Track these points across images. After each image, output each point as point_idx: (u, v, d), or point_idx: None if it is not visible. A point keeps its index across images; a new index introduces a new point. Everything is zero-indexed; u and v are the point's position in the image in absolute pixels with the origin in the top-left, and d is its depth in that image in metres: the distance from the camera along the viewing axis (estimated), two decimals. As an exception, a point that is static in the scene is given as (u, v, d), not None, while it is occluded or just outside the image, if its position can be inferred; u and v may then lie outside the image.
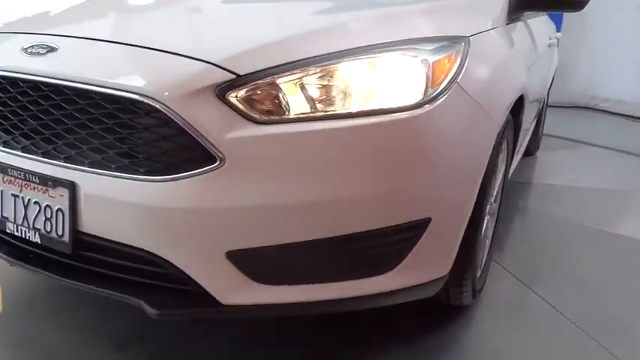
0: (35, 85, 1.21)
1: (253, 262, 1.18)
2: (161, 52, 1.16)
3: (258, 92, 1.13)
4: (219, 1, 1.60)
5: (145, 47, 1.17)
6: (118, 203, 1.16)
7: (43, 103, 1.20)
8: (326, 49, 1.19)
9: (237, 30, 1.31)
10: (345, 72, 1.18)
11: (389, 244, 1.26)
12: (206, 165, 1.11)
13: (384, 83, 1.21)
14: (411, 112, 1.19)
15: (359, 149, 1.16)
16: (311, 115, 1.16)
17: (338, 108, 1.17)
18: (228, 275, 1.17)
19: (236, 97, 1.12)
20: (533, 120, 3.12)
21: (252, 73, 1.12)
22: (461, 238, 1.40)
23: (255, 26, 1.32)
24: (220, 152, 1.10)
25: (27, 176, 1.25)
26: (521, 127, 1.95)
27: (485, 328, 1.70)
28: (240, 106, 1.12)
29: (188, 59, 1.13)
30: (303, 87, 1.16)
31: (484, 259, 1.85)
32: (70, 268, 1.27)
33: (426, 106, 1.21)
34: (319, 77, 1.16)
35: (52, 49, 1.23)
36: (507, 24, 1.81)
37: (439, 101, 1.24)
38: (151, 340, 1.54)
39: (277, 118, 1.14)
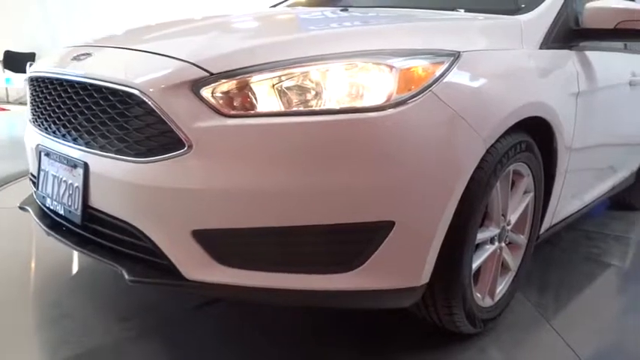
0: (71, 84, 1.49)
1: (215, 243, 1.30)
2: (153, 54, 1.38)
3: (228, 89, 1.28)
4: (199, 21, 1.81)
5: (143, 51, 1.40)
6: (112, 181, 1.36)
7: (74, 98, 1.47)
8: (293, 55, 1.31)
9: (218, 38, 1.49)
10: (309, 74, 1.28)
11: (347, 243, 1.30)
12: (177, 150, 1.27)
13: (346, 86, 1.29)
14: (374, 113, 1.26)
15: (318, 144, 1.25)
16: (276, 111, 1.27)
17: (301, 106, 1.28)
18: (193, 252, 1.30)
19: (208, 92, 1.28)
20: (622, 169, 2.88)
21: (223, 72, 1.28)
22: (435, 252, 1.38)
23: (233, 35, 1.49)
24: (189, 139, 1.26)
25: (61, 159, 1.53)
26: (556, 160, 1.84)
27: (491, 357, 1.61)
28: (211, 100, 1.27)
29: (172, 59, 1.33)
30: (269, 87, 1.28)
31: (499, 289, 1.76)
32: (81, 236, 1.50)
33: (390, 109, 1.27)
34: (285, 79, 1.28)
35: (88, 55, 1.52)
36: (542, 49, 1.79)
37: (405, 107, 1.28)
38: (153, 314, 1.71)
39: (244, 112, 1.27)
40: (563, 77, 1.85)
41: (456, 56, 1.40)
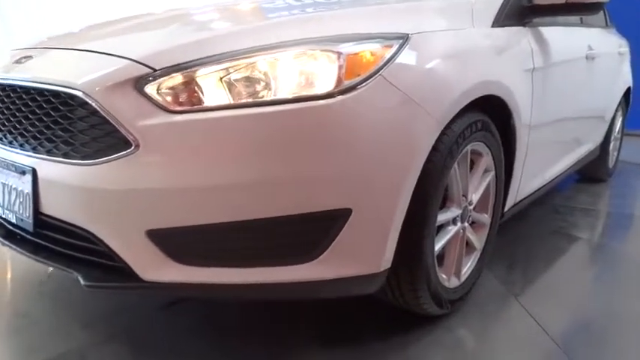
0: (13, 88, 1.44)
1: (171, 242, 1.28)
2: (95, 53, 1.34)
3: (174, 84, 1.25)
4: (157, 15, 1.76)
5: (85, 50, 1.36)
6: (61, 186, 1.33)
7: (18, 102, 1.43)
8: (239, 46, 1.29)
9: (163, 33, 1.46)
10: (256, 65, 1.26)
11: (305, 233, 1.29)
12: (124, 150, 1.24)
13: (293, 76, 1.27)
14: (322, 101, 1.24)
15: (268, 135, 1.23)
16: (223, 105, 1.25)
17: (249, 98, 1.25)
18: (149, 253, 1.28)
19: (153, 88, 1.24)
20: (588, 142, 2.92)
21: (167, 67, 1.25)
22: (395, 236, 1.37)
23: (180, 29, 1.46)
24: (135, 138, 1.23)
25: (9, 166, 1.48)
26: (515, 137, 1.85)
27: (458, 336, 1.62)
28: (155, 96, 1.24)
29: (113, 57, 1.29)
30: (217, 80, 1.25)
31: (465, 269, 1.77)
32: (36, 244, 1.46)
33: (339, 96, 1.25)
34: (232, 71, 1.25)
35: (29, 58, 1.47)
36: (495, 27, 1.79)
37: (355, 92, 1.27)
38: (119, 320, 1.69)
39: (190, 107, 1.25)
40: (517, 54, 1.85)
41: (404, 39, 1.39)
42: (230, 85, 1.26)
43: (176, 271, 1.29)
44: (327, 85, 1.26)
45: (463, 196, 1.67)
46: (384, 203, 1.33)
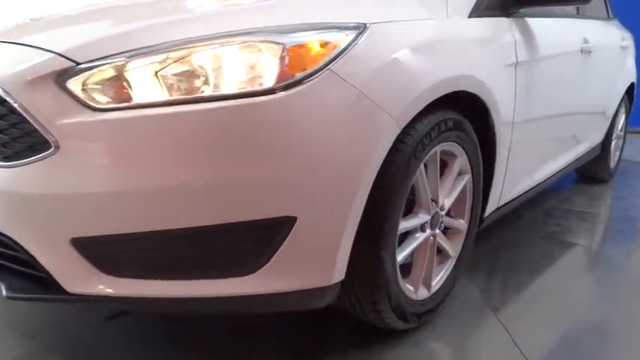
0: None
1: (98, 252, 1.17)
2: (16, 45, 1.23)
3: (100, 79, 1.14)
4: (84, 7, 1.62)
5: (5, 42, 1.25)
6: (-16, 189, 1.22)
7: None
8: (175, 37, 1.17)
9: (93, 24, 1.34)
10: (190, 58, 1.14)
11: (246, 243, 1.18)
12: (44, 151, 1.13)
13: (232, 70, 1.15)
14: (262, 97, 1.12)
15: (202, 136, 1.11)
16: (154, 101, 1.13)
17: (183, 94, 1.14)
18: (74, 263, 1.17)
19: (77, 84, 1.13)
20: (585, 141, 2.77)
21: (92, 60, 1.14)
22: (347, 246, 1.25)
23: (112, 19, 1.34)
24: (54, 138, 1.12)
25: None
26: (495, 136, 1.72)
27: (426, 352, 1.50)
28: (78, 93, 1.13)
29: (35, 50, 1.18)
30: (149, 74, 1.14)
31: (437, 279, 1.64)
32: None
33: (281, 92, 1.13)
34: (165, 64, 1.14)
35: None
36: (473, 17, 1.66)
37: (299, 88, 1.15)
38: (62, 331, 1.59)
39: (117, 104, 1.13)
40: (497, 47, 1.72)
41: (361, 29, 1.26)
42: (164, 80, 1.14)
43: (106, 284, 1.18)
44: (268, 80, 1.14)
45: (433, 200, 1.54)
46: (333, 210, 1.21)
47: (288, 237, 1.18)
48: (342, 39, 1.23)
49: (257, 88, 1.14)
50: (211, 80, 1.14)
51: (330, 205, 1.20)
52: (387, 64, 1.28)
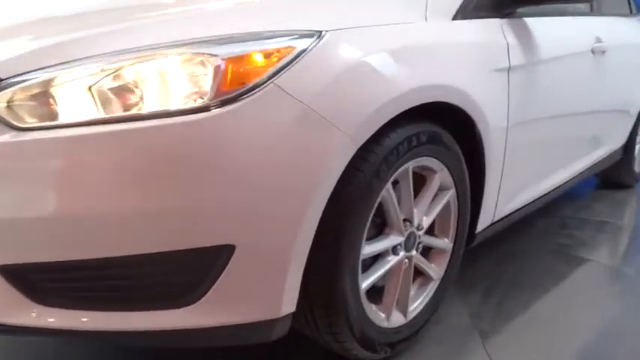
0: None
1: (27, 280, 1.10)
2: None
3: (24, 96, 1.06)
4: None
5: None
6: None
7: None
8: (106, 50, 1.08)
9: (21, 38, 1.26)
10: (121, 73, 1.05)
11: (180, 273, 1.09)
12: None
13: (162, 85, 1.05)
14: (194, 115, 1.03)
15: (129, 158, 1.02)
16: (78, 120, 1.04)
17: (111, 112, 1.05)
18: (1, 291, 1.10)
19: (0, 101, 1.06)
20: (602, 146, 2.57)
21: (15, 76, 1.06)
22: (297, 275, 1.15)
23: (41, 33, 1.26)
24: None
25: None
26: (482, 148, 1.57)
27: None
28: (2, 111, 1.06)
29: None
30: (78, 90, 1.06)
31: (416, 304, 1.52)
32: None
33: (216, 109, 1.04)
34: (94, 80, 1.05)
35: None
36: (458, 19, 1.52)
37: (237, 104, 1.05)
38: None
39: (42, 124, 1.06)
40: (483, 52, 1.57)
41: (315, 37, 1.15)
42: (91, 97, 1.06)
43: (35, 314, 1.11)
44: (201, 96, 1.04)
45: (406, 220, 1.42)
46: (278, 237, 1.11)
47: (227, 267, 1.09)
48: (290, 49, 1.12)
49: (189, 105, 1.04)
50: (141, 97, 1.05)
51: (272, 233, 1.10)
52: (342, 76, 1.16)
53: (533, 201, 2.07)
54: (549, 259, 2.19)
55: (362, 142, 1.18)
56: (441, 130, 1.43)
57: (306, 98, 1.10)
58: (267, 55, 1.10)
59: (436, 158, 1.43)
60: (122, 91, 1.06)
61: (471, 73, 1.48)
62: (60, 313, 1.11)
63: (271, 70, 1.09)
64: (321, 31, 1.17)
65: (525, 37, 1.75)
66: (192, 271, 1.09)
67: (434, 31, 1.43)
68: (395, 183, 1.36)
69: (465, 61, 1.48)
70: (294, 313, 1.20)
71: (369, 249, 1.32)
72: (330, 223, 1.18)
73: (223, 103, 1.04)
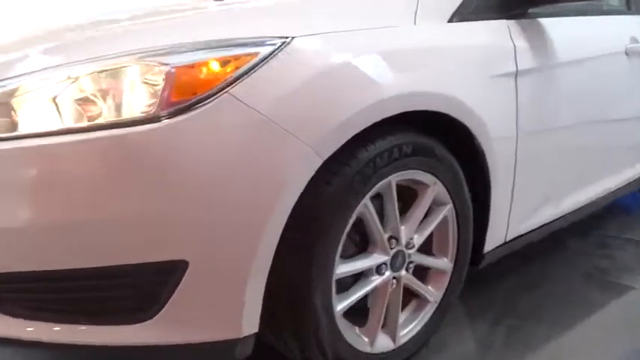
0: None
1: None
2: None
3: None
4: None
5: None
6: None
7: None
8: (62, 62, 1.08)
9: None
10: (78, 85, 1.03)
11: (133, 288, 1.05)
12: None
13: (113, 95, 1.03)
14: (142, 126, 1.00)
15: (79, 170, 1.00)
16: (37, 132, 1.03)
17: (68, 123, 1.03)
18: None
19: None
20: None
21: None
22: (257, 294, 1.09)
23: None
24: None
25: None
26: (485, 161, 1.45)
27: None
28: None
29: None
30: (32, 101, 1.05)
31: (408, 328, 1.41)
32: None
33: (166, 120, 1.00)
34: (53, 91, 1.04)
35: None
36: (455, 22, 1.43)
37: (188, 115, 1.01)
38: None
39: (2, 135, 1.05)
40: (482, 56, 1.45)
41: (278, 44, 1.10)
42: (46, 108, 1.05)
43: None
44: (150, 106, 1.01)
45: (393, 238, 1.32)
46: (234, 253, 1.05)
47: (181, 283, 1.04)
48: (250, 56, 1.07)
49: (142, 115, 1.01)
50: (97, 107, 1.03)
51: (228, 248, 1.04)
52: (307, 84, 1.10)
53: (559, 218, 1.90)
54: (580, 285, 1.98)
55: (328, 154, 1.11)
56: (431, 140, 1.33)
57: (264, 108, 1.04)
58: (224, 64, 1.06)
59: (426, 171, 1.33)
60: (80, 101, 1.04)
61: (466, 79, 1.38)
62: (16, 322, 1.10)
63: (227, 78, 1.04)
64: (287, 37, 1.12)
65: (539, 39, 1.61)
66: (145, 286, 1.05)
67: (421, 35, 1.34)
68: (379, 197, 1.28)
69: (459, 66, 1.37)
70: (261, 332, 1.14)
71: (345, 268, 1.24)
72: (296, 239, 1.11)
73: (175, 113, 1.00)
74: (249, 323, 1.10)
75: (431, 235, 1.46)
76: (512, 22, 1.57)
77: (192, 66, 1.04)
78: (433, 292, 1.47)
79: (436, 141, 1.34)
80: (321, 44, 1.16)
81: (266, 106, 1.05)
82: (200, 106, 1.01)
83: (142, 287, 1.05)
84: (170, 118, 1.00)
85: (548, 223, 1.84)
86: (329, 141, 1.11)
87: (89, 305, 1.07)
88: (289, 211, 1.08)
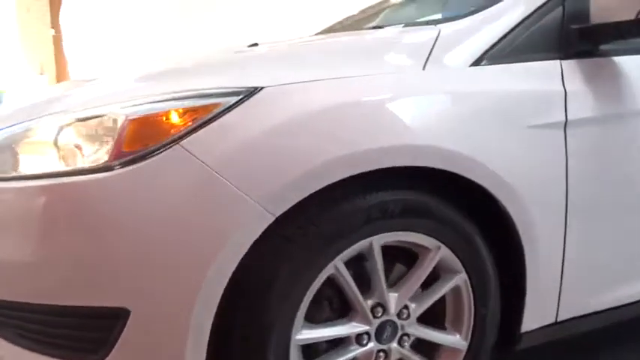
0: None
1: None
2: None
3: None
4: None
5: None
6: None
7: None
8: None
9: None
10: (38, 134, 1.12)
11: (82, 329, 1.08)
12: None
13: (70, 145, 1.08)
14: (92, 175, 1.03)
15: (33, 213, 1.07)
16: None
17: (27, 170, 1.12)
18: None
19: None
20: None
21: None
22: (197, 353, 1.04)
23: None
24: None
25: None
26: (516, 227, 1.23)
27: None
28: None
29: None
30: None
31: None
32: None
33: (116, 170, 1.03)
34: (17, 139, 1.14)
35: None
36: (485, 64, 1.26)
37: (136, 165, 1.02)
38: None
39: None
40: (515, 103, 1.24)
41: (243, 95, 1.07)
42: (16, 154, 1.14)
43: None
44: (104, 156, 1.05)
45: (379, 306, 1.18)
46: (174, 307, 1.03)
47: (124, 331, 1.04)
48: (210, 107, 1.06)
49: (89, 165, 1.05)
50: (55, 155, 1.09)
51: (168, 301, 1.03)
52: (267, 136, 1.05)
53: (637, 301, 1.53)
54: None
55: (280, 211, 1.03)
56: (429, 197, 1.17)
57: (213, 161, 1.02)
58: (181, 115, 1.06)
59: (424, 234, 1.18)
60: (39, 148, 1.12)
61: (480, 130, 1.19)
62: None
63: (182, 130, 1.04)
64: (256, 87, 1.08)
65: (603, 83, 1.34)
66: (93, 330, 1.07)
67: (424, 82, 1.20)
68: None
69: (470, 116, 1.19)
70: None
71: (312, 334, 1.13)
72: (248, 299, 1.06)
73: (125, 164, 1.03)
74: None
75: (444, 307, 1.28)
76: (568, 62, 1.33)
77: (145, 117, 1.05)
78: (441, 374, 1.28)
79: (439, 200, 1.18)
80: (297, 93, 1.10)
81: (216, 159, 1.02)
82: (150, 157, 1.02)
83: (91, 331, 1.07)
84: (121, 167, 1.03)
85: (622, 306, 1.49)
86: (282, 198, 1.03)
87: (50, 338, 1.12)
88: (233, 267, 1.03)
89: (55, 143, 1.09)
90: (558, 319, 1.39)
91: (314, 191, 1.05)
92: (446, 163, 1.15)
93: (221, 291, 1.03)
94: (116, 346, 1.05)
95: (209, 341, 1.05)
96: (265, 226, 1.03)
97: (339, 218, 1.09)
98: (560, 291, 1.36)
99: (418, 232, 1.17)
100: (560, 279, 1.34)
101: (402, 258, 1.23)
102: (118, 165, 1.03)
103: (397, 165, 1.11)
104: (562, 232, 1.31)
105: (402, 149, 1.12)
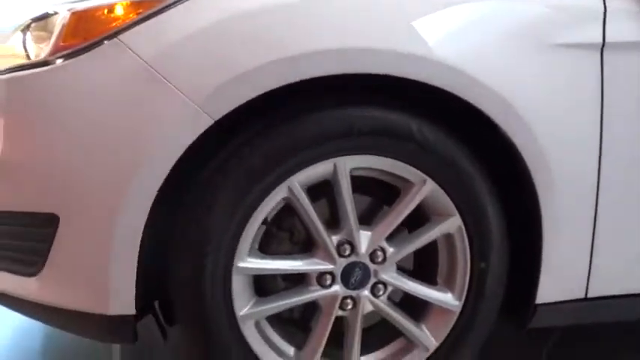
0: None
1: None
2: None
3: None
4: None
5: None
6: None
7: None
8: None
9: None
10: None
11: (17, 238, 1.03)
12: None
13: (34, 40, 1.02)
14: (33, 70, 0.97)
15: None
16: None
17: None
18: None
19: None
20: None
21: None
22: (128, 270, 0.93)
23: None
24: None
25: None
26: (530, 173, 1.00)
27: None
28: None
29: None
30: None
31: None
32: None
33: (54, 64, 0.95)
34: None
35: None
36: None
37: (73, 60, 0.94)
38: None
39: None
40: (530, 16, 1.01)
41: None
42: None
43: None
44: (45, 50, 0.98)
45: (347, 243, 1.00)
46: (99, 212, 0.93)
47: (55, 240, 0.96)
48: (153, 3, 0.95)
49: (37, 59, 0.99)
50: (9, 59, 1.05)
51: (94, 206, 0.93)
52: (209, 31, 0.92)
53: None
54: None
55: (220, 114, 0.90)
56: (411, 119, 0.97)
57: (151, 57, 0.91)
58: (125, 8, 0.96)
59: (402, 161, 0.99)
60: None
61: (491, 43, 0.98)
62: None
63: (120, 24, 0.95)
64: None
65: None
66: (27, 238, 1.01)
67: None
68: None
69: (481, 24, 0.98)
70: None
71: (259, 263, 0.99)
72: (185, 212, 0.95)
73: (62, 58, 0.95)
74: (119, 301, 0.95)
75: (437, 259, 1.08)
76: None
77: (88, 10, 0.97)
78: (425, 336, 1.07)
79: (422, 122, 0.98)
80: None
81: (153, 54, 0.91)
82: (87, 51, 0.94)
83: (24, 239, 1.01)
84: (59, 62, 0.95)
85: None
86: (218, 100, 0.90)
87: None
88: (167, 171, 0.91)
89: (13, 45, 1.05)
90: (589, 295, 1.12)
91: (253, 97, 0.90)
92: (426, 76, 0.94)
93: (152, 196, 0.91)
94: (48, 259, 0.98)
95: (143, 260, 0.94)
96: (202, 128, 0.91)
97: (289, 132, 0.94)
98: (591, 259, 1.09)
99: (395, 158, 0.98)
100: (591, 242, 1.08)
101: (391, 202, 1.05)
102: (55, 59, 0.95)
103: (361, 71, 0.92)
104: (594, 180, 1.05)
105: (362, 52, 0.93)
